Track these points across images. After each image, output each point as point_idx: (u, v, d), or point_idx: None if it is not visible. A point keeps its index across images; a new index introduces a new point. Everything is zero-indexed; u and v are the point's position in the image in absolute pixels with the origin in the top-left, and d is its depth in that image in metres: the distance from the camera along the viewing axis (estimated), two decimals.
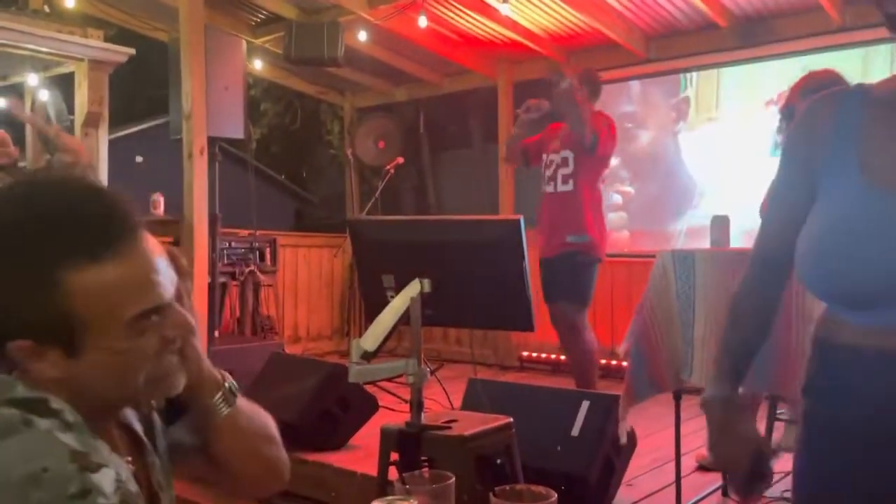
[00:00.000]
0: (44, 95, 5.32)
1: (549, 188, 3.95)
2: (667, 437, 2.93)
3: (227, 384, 1.05)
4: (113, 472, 0.79)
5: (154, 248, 0.87)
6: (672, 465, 2.69)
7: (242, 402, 1.07)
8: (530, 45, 5.48)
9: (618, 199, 5.70)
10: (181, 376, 0.93)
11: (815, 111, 1.04)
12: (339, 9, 5.32)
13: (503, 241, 2.07)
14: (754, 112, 5.01)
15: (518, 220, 2.04)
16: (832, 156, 0.97)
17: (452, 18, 5.40)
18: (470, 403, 2.75)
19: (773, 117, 4.53)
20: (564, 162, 3.89)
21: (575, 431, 2.58)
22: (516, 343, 5.79)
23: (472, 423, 2.14)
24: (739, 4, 4.85)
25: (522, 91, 6.09)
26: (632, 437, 2.68)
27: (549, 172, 3.96)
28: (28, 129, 5.59)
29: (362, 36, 5.52)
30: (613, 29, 5.11)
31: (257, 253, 5.33)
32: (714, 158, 5.26)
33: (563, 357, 5.37)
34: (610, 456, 2.62)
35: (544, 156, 4.02)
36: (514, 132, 4.20)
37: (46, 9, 5.29)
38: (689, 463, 3.02)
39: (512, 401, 2.66)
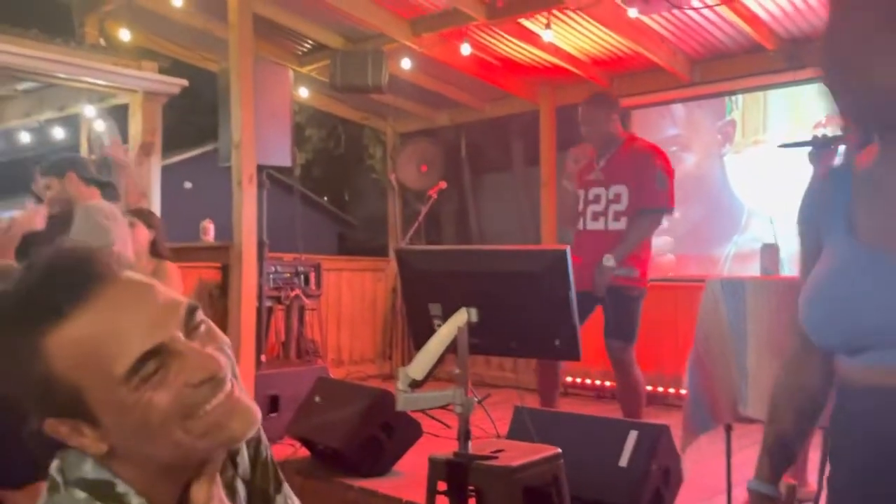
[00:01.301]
0: (99, 126, 5.51)
1: (597, 225, 3.64)
2: (717, 467, 2.87)
3: None
4: None
5: (141, 291, 0.79)
6: (723, 497, 2.64)
7: None
8: (573, 69, 5.50)
9: (663, 223, 5.64)
10: (241, 421, 0.81)
11: (817, 189, 1.20)
12: (383, 37, 5.42)
13: (549, 271, 2.07)
14: (802, 135, 4.93)
15: (564, 251, 2.04)
16: (831, 221, 1.09)
17: (495, 45, 5.45)
18: (516, 431, 2.74)
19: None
20: (617, 198, 3.60)
21: (623, 462, 2.55)
22: (564, 370, 5.74)
23: (520, 454, 2.13)
24: (786, 27, 4.80)
25: (565, 115, 6.10)
26: (680, 467, 2.64)
27: (597, 208, 3.64)
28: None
29: (406, 63, 5.60)
30: (657, 53, 5.10)
31: (302, 277, 5.40)
32: (762, 182, 5.18)
33: (608, 383, 5.33)
34: (659, 487, 2.58)
35: (581, 191, 3.70)
36: (566, 185, 3.77)
37: (102, 42, 5.50)
38: (741, 494, 2.95)
39: (559, 429, 2.64)
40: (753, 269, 3.68)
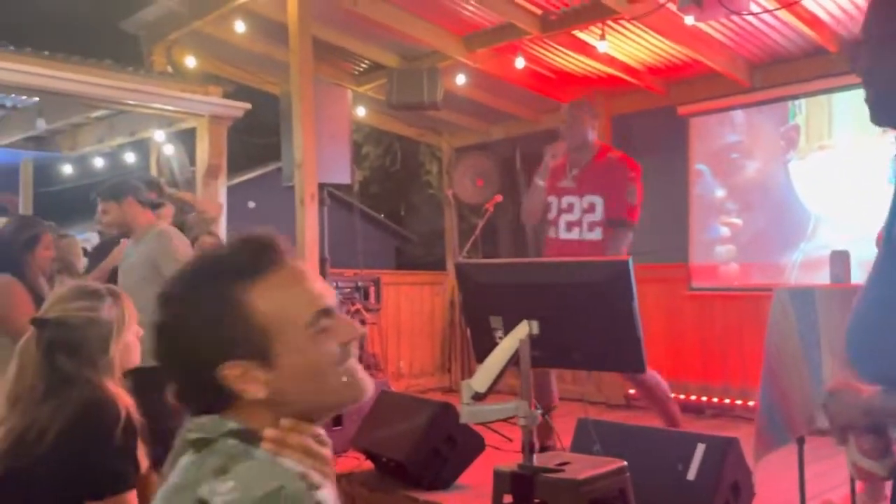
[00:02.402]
0: (168, 150, 5.72)
1: (572, 235, 3.61)
2: (789, 480, 2.80)
3: None
4: (328, 490, 0.90)
5: (310, 269, 1.02)
6: None
7: None
8: (628, 78, 5.46)
9: (725, 231, 5.54)
10: (369, 381, 1.00)
11: None
12: (438, 55, 5.49)
13: (611, 282, 2.07)
14: (870, 139, 4.78)
15: (626, 262, 2.04)
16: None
17: (549, 57, 5.47)
18: (580, 444, 2.73)
19: (890, 144, 4.32)
20: (591, 208, 3.58)
21: (691, 475, 2.51)
22: (622, 381, 5.66)
23: (586, 466, 2.13)
24: (849, 28, 4.67)
25: (621, 124, 6.07)
26: (751, 481, 2.58)
27: (570, 217, 3.63)
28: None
29: (460, 79, 5.66)
30: (715, 59, 5.03)
31: (362, 292, 5.49)
32: (828, 188, 5.04)
33: (678, 396, 5.23)
34: (729, 501, 2.53)
35: (553, 198, 3.70)
36: (534, 189, 3.77)
37: (170, 70, 5.72)
38: None
39: (624, 442, 2.62)
40: (822, 277, 3.57)
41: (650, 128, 5.91)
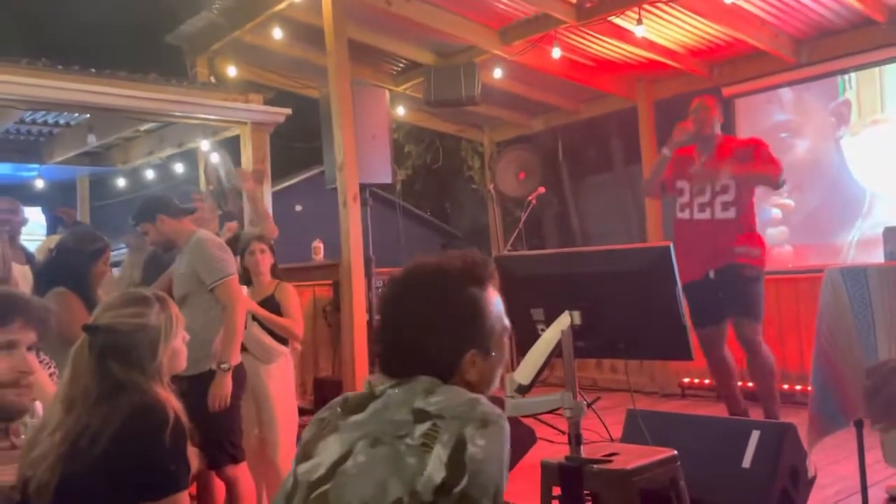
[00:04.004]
0: (214, 158, 5.84)
1: (704, 215, 3.85)
2: (850, 466, 2.71)
3: None
4: None
5: None
6: (858, 497, 2.49)
7: None
8: (669, 62, 5.36)
9: (777, 213, 5.40)
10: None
11: None
12: (473, 49, 5.48)
13: (653, 269, 2.04)
14: None
15: (668, 247, 2.01)
16: None
17: (586, 45, 5.40)
18: (630, 435, 2.69)
19: None
20: (724, 189, 3.80)
21: (746, 463, 2.45)
22: (675, 370, 5.57)
23: (634, 457, 2.10)
24: None
25: (664, 110, 5.95)
26: (808, 467, 2.51)
27: (702, 199, 3.86)
28: (202, 187, 6.16)
29: (497, 73, 5.64)
30: (758, 37, 4.90)
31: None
32: (884, 163, 4.86)
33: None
34: (787, 489, 2.46)
35: (682, 182, 3.95)
36: (662, 159, 4.05)
37: (213, 80, 5.84)
38: (877, 495, 2.77)
39: (674, 432, 2.57)
40: (881, 256, 3.45)
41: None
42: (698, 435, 2.60)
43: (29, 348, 1.46)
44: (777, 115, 5.43)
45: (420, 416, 1.15)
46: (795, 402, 4.81)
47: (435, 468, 1.09)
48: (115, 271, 4.79)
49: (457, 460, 1.09)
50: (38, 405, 2.10)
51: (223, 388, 2.90)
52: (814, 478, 2.56)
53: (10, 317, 1.41)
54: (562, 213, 7.50)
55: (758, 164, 3.76)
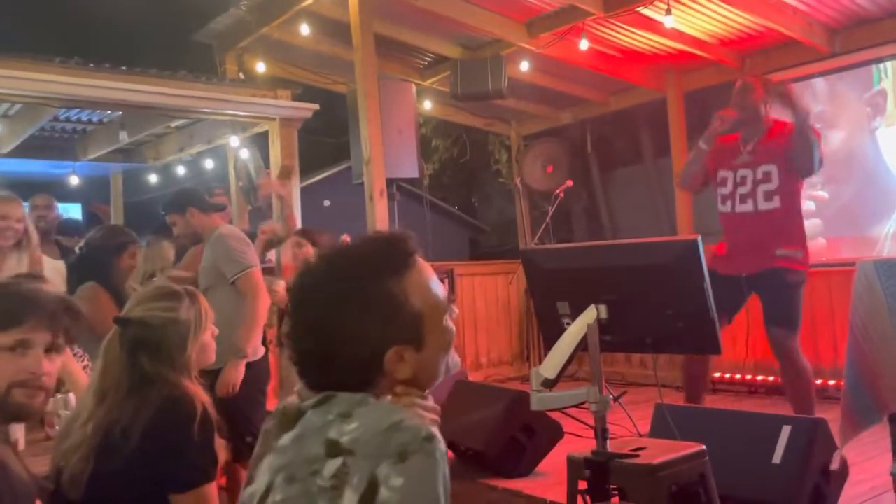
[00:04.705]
0: (244, 154, 5.91)
1: (746, 207, 3.57)
2: (885, 463, 2.66)
3: None
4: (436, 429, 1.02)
5: None
6: (892, 494, 2.44)
7: None
8: (699, 52, 5.29)
9: (810, 205, 5.29)
10: (456, 363, 1.24)
11: None
12: (500, 43, 5.46)
13: (681, 263, 2.01)
14: None
15: (695, 241, 1.98)
16: None
17: (614, 37, 5.35)
18: (658, 430, 2.67)
19: None
20: (766, 177, 3.51)
21: (777, 459, 2.42)
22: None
23: (662, 451, 2.08)
24: None
25: (694, 101, 5.88)
26: (843, 463, 2.47)
27: (743, 190, 3.58)
28: (232, 183, 6.23)
29: (524, 66, 5.61)
30: (790, 26, 4.80)
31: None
32: None
33: (760, 377, 5.05)
34: (819, 485, 2.42)
35: (728, 172, 3.65)
36: (698, 152, 3.75)
37: (242, 76, 5.90)
38: None
39: (703, 427, 2.54)
40: None
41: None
42: (728, 430, 2.56)
43: (48, 350, 1.42)
44: (810, 105, 5.32)
45: (332, 449, 1.00)
46: (828, 398, 4.73)
47: None
48: None
49: None
50: (72, 396, 2.15)
51: (234, 375, 2.91)
52: (846, 474, 2.51)
53: (20, 316, 1.40)
54: (591, 206, 7.44)
55: (793, 157, 3.48)
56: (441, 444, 0.99)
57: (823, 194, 5.26)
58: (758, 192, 3.53)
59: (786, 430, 2.47)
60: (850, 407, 2.37)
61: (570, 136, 7.04)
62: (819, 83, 5.28)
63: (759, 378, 5.06)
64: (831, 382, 4.82)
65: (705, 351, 2.20)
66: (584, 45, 5.05)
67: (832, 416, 2.65)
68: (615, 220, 7.67)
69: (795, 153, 3.45)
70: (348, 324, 1.06)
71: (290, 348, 1.12)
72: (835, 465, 2.38)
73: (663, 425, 2.60)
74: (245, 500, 1.08)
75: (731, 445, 2.43)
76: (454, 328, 1.17)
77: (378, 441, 0.97)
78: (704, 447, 2.12)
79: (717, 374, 5.47)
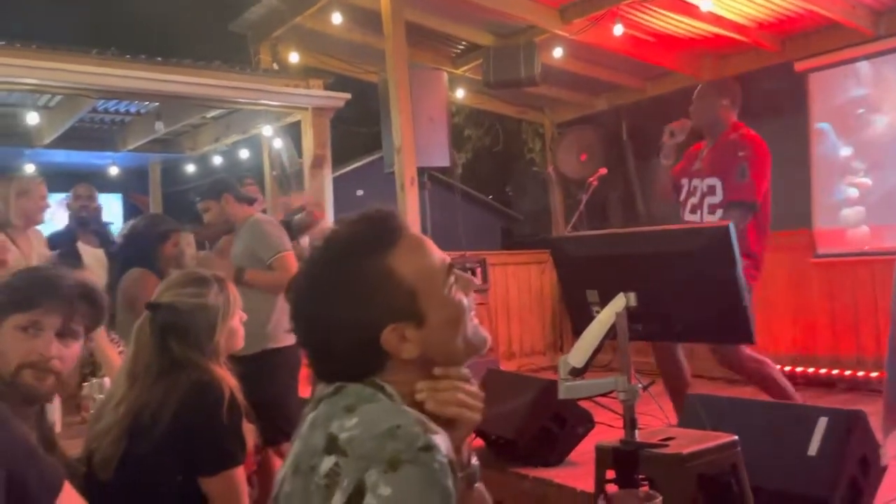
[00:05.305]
0: (277, 144, 5.96)
1: (695, 217, 3.46)
2: None
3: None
4: (443, 439, 0.95)
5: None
6: None
7: (481, 488, 1.14)
8: (737, 36, 5.17)
9: (853, 192, 5.15)
10: (486, 337, 1.12)
11: None
12: (533, 29, 5.40)
13: (712, 250, 1.97)
14: None
15: (727, 227, 1.94)
16: None
17: (649, 21, 5.25)
18: (688, 420, 2.63)
19: None
20: (711, 190, 3.41)
21: (812, 451, 2.36)
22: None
23: (692, 441, 2.05)
24: None
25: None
26: (880, 456, 2.40)
27: (694, 200, 3.49)
28: (266, 172, 6.29)
29: (558, 52, 5.55)
30: (832, 8, 4.66)
31: (469, 273, 5.51)
32: None
33: (799, 369, 4.96)
34: (856, 478, 2.36)
35: (685, 180, 3.56)
36: (663, 162, 3.61)
37: (275, 66, 5.94)
38: None
39: (736, 417, 2.50)
40: None
41: (765, 88, 5.57)
42: (761, 421, 2.51)
43: (61, 334, 1.45)
44: (854, 90, 5.17)
45: (330, 444, 0.96)
46: (871, 390, 4.61)
47: None
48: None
49: None
50: (107, 380, 2.20)
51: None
52: (885, 467, 2.45)
53: (36, 299, 1.43)
54: (626, 194, 7.33)
55: (728, 182, 3.32)
56: (440, 455, 0.92)
57: (867, 181, 5.12)
58: (704, 204, 3.43)
59: (822, 422, 2.41)
60: (892, 400, 2.30)
61: (605, 124, 6.95)
62: (863, 66, 5.13)
63: (799, 369, 4.96)
64: (874, 374, 4.70)
65: (738, 340, 2.16)
66: (618, 30, 4.97)
67: (875, 409, 2.58)
68: (651, 209, 7.55)
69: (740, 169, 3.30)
70: (336, 309, 1.03)
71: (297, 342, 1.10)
72: (885, 461, 2.31)
73: (694, 415, 2.56)
74: (275, 485, 1.08)
75: (765, 436, 2.38)
76: (464, 300, 1.09)
77: (371, 445, 0.92)
78: (736, 438, 2.08)
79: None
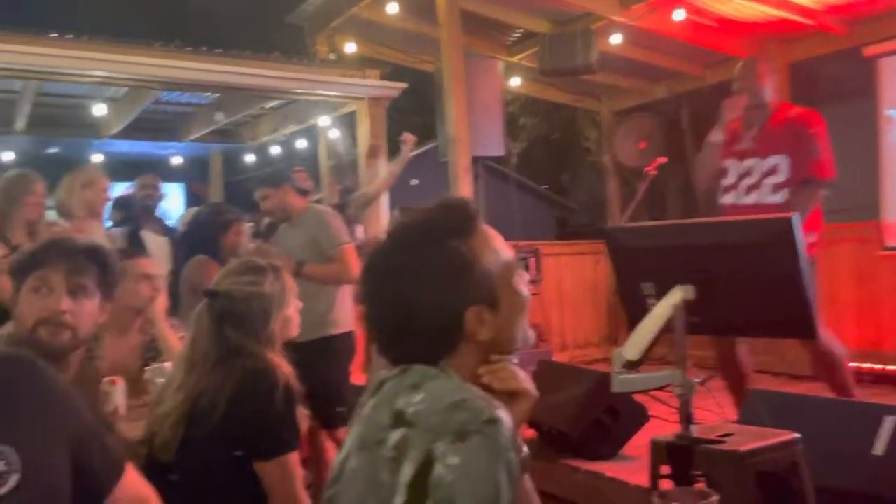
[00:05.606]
0: (333, 134, 6.02)
1: (749, 198, 3.31)
2: None
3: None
4: (506, 415, 0.98)
5: None
6: None
7: (528, 479, 1.12)
8: (803, 20, 4.98)
9: None
10: (531, 335, 1.17)
11: None
12: (590, 16, 5.31)
13: (775, 241, 1.91)
14: None
15: (790, 218, 1.87)
16: None
17: (711, 6, 5.10)
18: (749, 416, 2.56)
19: None
20: (773, 169, 3.26)
21: (878, 450, 2.27)
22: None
23: (751, 438, 1.99)
24: None
25: (799, 72, 5.55)
26: None
27: (749, 181, 3.32)
28: (322, 162, 6.37)
29: (615, 39, 5.45)
30: None
31: (522, 263, 5.49)
32: None
33: (866, 365, 4.78)
34: None
35: (731, 161, 3.38)
36: (711, 146, 3.40)
37: (332, 57, 6.00)
38: None
39: (798, 414, 2.42)
40: None
41: (832, 73, 5.37)
42: (825, 418, 2.43)
43: (72, 292, 1.54)
44: None
45: (397, 420, 1.00)
46: None
47: (399, 490, 0.94)
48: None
49: (420, 483, 0.93)
50: (168, 365, 2.26)
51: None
52: None
53: (42, 259, 1.55)
54: (685, 185, 7.17)
55: (798, 159, 3.17)
56: (505, 429, 0.95)
57: None
58: (763, 184, 3.28)
59: (889, 421, 2.31)
60: None
61: (665, 111, 6.80)
62: None
63: (866, 366, 4.78)
64: None
65: (799, 336, 2.08)
66: (679, 15, 4.85)
67: None
68: (711, 199, 7.38)
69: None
70: (423, 291, 1.05)
71: (367, 327, 1.12)
72: None
73: (754, 412, 2.49)
74: (334, 466, 1.11)
75: (828, 434, 2.30)
76: (527, 293, 1.14)
77: (438, 417, 0.96)
78: (797, 435, 2.02)
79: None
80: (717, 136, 3.39)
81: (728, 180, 3.41)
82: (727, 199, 3.43)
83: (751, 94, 3.34)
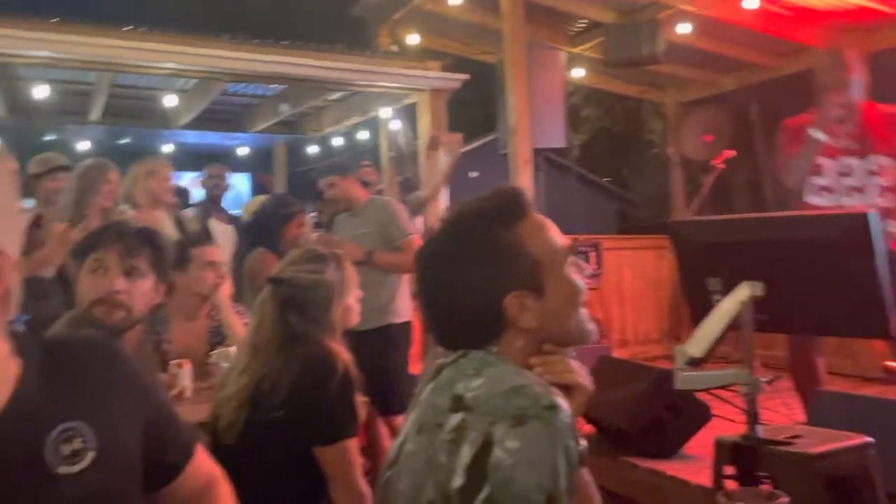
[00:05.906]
0: (395, 125, 6.06)
1: (853, 200, 3.15)
2: None
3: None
4: (565, 402, 0.98)
5: None
6: None
7: (586, 472, 1.12)
8: (884, 8, 4.76)
9: None
10: (593, 329, 1.15)
11: None
12: (657, 5, 5.20)
13: (848, 238, 1.84)
14: None
15: (865, 214, 1.80)
16: None
17: None
18: (818, 419, 2.47)
19: None
20: (881, 171, 3.10)
21: None
22: (880, 350, 5.02)
23: (820, 441, 1.93)
24: None
25: (880, 64, 5.29)
26: None
27: (850, 181, 3.16)
28: (383, 154, 6.42)
29: (682, 29, 5.31)
30: None
31: (582, 257, 5.42)
32: None
33: None
34: None
35: (827, 160, 3.21)
36: (813, 144, 3.19)
37: (395, 48, 6.02)
38: None
39: (870, 417, 2.32)
40: None
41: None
42: None
43: (127, 273, 1.62)
44: None
45: (456, 404, 1.01)
46: None
47: (457, 472, 0.95)
48: None
49: (479, 465, 0.94)
50: (233, 349, 2.32)
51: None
52: None
53: (97, 242, 1.65)
54: (754, 179, 6.96)
55: None
56: (564, 416, 0.95)
57: None
58: (870, 186, 3.11)
59: None
60: None
61: (733, 103, 6.60)
62: None
63: None
64: None
65: (872, 335, 2.00)
66: (751, 2, 4.69)
67: None
68: (781, 195, 7.15)
69: None
70: (465, 275, 1.07)
71: (422, 316, 1.15)
72: None
73: (824, 414, 2.41)
74: (390, 450, 1.12)
75: None
76: (583, 284, 1.14)
77: (497, 402, 0.97)
78: (870, 440, 1.94)
79: (893, 363, 4.99)
80: (820, 133, 3.20)
81: (822, 180, 3.25)
82: (819, 199, 3.27)
83: (854, 88, 3.18)
